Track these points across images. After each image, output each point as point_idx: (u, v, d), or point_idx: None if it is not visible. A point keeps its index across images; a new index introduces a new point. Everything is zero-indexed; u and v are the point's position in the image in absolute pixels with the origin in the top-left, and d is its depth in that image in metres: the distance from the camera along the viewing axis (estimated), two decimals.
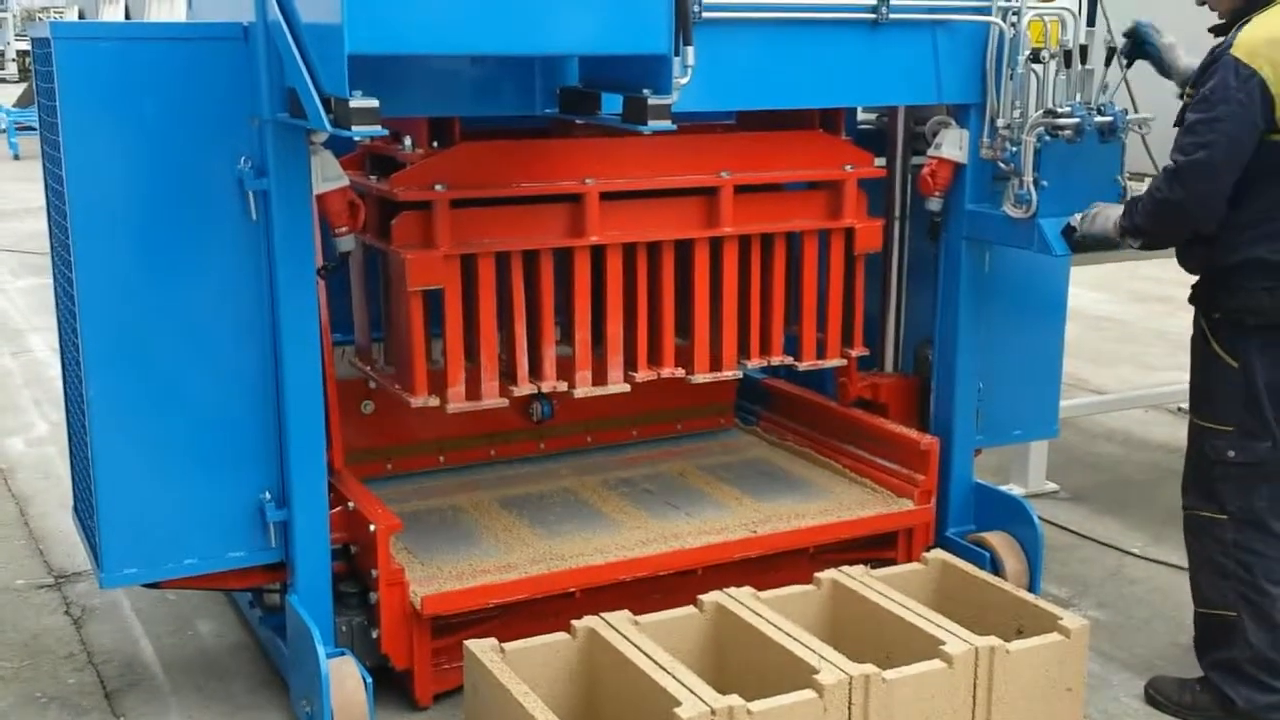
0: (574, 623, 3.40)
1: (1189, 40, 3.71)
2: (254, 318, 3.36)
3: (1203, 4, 3.49)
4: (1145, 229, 3.44)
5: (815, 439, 4.70)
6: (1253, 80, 3.20)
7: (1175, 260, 3.61)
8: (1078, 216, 3.69)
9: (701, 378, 4.09)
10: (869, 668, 3.15)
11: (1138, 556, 4.80)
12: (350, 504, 3.66)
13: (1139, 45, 3.79)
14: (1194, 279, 3.54)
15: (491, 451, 4.58)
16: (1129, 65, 3.79)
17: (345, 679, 3.31)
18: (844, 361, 4.38)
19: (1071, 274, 4.45)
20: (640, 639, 3.29)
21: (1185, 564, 3.76)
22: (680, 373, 4.06)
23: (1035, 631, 3.48)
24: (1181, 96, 3.57)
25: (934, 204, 4.16)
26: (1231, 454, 3.45)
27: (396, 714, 3.63)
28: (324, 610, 3.49)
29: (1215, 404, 3.49)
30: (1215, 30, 3.44)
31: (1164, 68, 3.79)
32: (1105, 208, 3.62)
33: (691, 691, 3.03)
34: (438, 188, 3.58)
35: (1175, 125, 3.45)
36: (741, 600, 3.51)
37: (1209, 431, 3.50)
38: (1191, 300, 3.56)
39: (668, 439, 4.85)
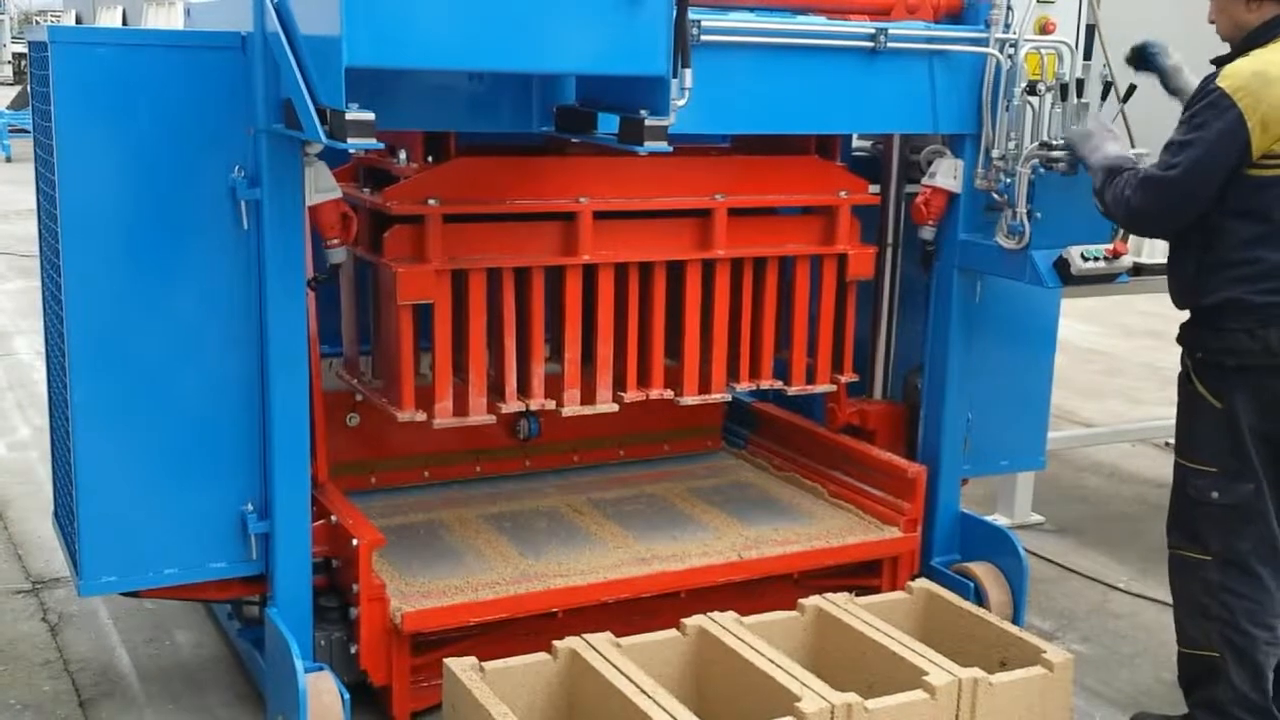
0: (555, 643, 3.39)
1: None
2: (242, 327, 3.34)
3: (1213, 23, 3.48)
4: (1107, 206, 3.47)
5: (802, 464, 4.69)
6: (1231, 112, 3.20)
7: (1166, 295, 3.61)
8: (1079, 131, 3.64)
9: (690, 400, 4.09)
10: (851, 696, 3.13)
11: (1123, 591, 4.80)
12: (333, 517, 3.63)
13: (1146, 59, 3.72)
14: (1183, 316, 3.55)
15: (477, 468, 4.56)
16: (1134, 84, 3.77)
17: (323, 694, 3.29)
18: (833, 387, 4.37)
19: (1062, 306, 4.46)
20: (622, 661, 3.28)
21: (1170, 600, 3.75)
22: (669, 394, 4.05)
23: (1019, 664, 3.47)
24: None
25: (927, 233, 4.17)
26: (1215, 495, 3.43)
27: None
28: (303, 624, 3.46)
29: (1199, 444, 3.47)
30: (1218, 61, 3.44)
31: (1171, 86, 3.73)
32: (1105, 144, 3.55)
33: (672, 716, 3.02)
34: (431, 202, 3.58)
35: None
36: (725, 625, 3.50)
37: (1193, 472, 3.49)
38: (1179, 340, 3.56)
39: (654, 460, 4.84)
